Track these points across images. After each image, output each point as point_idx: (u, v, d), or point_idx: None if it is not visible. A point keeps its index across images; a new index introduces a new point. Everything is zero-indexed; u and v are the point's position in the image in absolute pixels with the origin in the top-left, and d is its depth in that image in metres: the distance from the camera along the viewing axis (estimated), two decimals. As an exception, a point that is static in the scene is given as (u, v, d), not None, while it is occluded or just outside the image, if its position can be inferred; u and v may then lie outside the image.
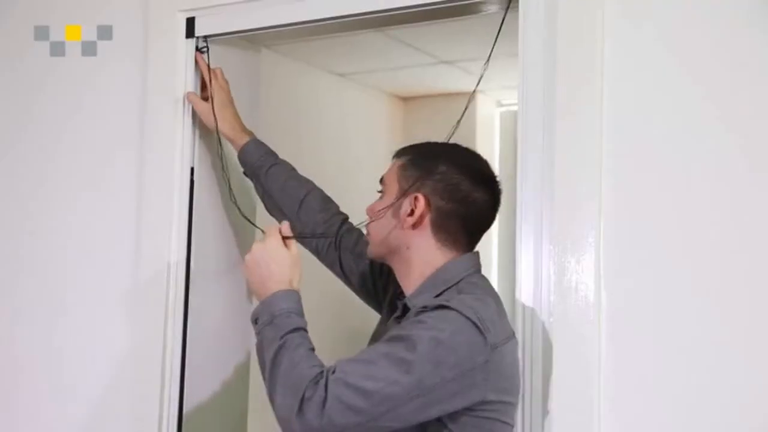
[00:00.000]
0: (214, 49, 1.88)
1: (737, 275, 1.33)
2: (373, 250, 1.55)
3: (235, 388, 1.96)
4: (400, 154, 1.55)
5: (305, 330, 1.41)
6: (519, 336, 1.45)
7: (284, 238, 1.50)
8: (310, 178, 1.84)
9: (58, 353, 2.03)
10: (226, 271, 1.94)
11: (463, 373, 1.31)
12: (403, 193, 1.48)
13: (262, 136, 1.96)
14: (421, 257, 1.48)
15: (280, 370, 1.34)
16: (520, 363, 1.44)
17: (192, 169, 1.86)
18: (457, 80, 3.03)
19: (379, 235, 1.52)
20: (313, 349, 1.39)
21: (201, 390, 1.87)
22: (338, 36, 2.02)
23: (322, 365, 1.35)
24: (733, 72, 1.36)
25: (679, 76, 1.39)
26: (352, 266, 1.75)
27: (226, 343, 1.94)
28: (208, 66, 1.86)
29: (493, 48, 1.58)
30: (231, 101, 1.87)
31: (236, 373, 1.96)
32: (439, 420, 1.35)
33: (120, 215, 1.94)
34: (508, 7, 1.56)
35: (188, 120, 1.85)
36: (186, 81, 1.86)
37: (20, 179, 2.13)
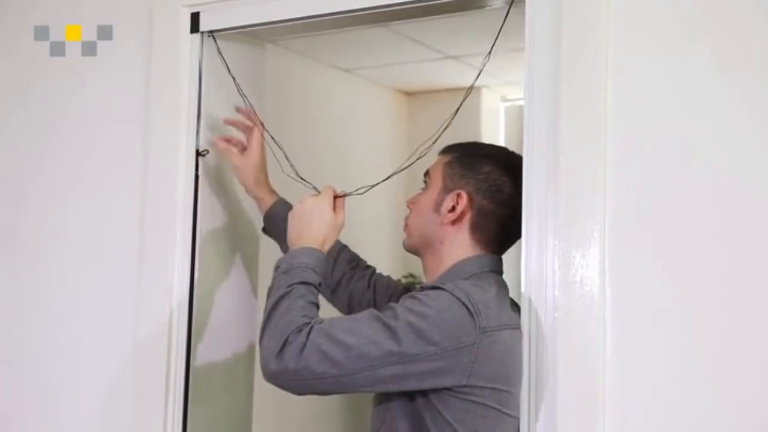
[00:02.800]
0: (219, 44, 1.88)
1: (744, 271, 1.33)
2: (408, 242, 1.60)
3: (240, 383, 1.97)
4: (447, 151, 1.59)
5: (315, 287, 1.45)
6: (525, 330, 1.45)
7: (335, 199, 1.58)
8: (315, 172, 1.85)
9: (58, 351, 2.03)
10: (230, 266, 1.94)
11: (448, 351, 1.33)
12: (446, 190, 1.50)
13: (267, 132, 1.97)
14: (452, 253, 1.51)
15: (276, 314, 1.39)
16: (525, 357, 1.44)
17: (197, 164, 1.86)
18: (462, 75, 3.03)
19: (418, 227, 1.56)
20: (315, 304, 1.43)
21: (206, 383, 1.87)
22: (343, 31, 2.02)
23: (314, 318, 1.39)
24: (744, 66, 1.35)
25: (688, 69, 1.39)
26: (384, 303, 1.76)
27: (231, 337, 1.94)
28: (255, 122, 1.85)
29: (495, 42, 1.59)
30: (265, 159, 1.85)
31: (241, 368, 1.97)
32: (427, 400, 1.37)
33: (123, 214, 1.94)
34: (512, 2, 1.56)
35: (193, 113, 1.85)
36: (190, 76, 1.85)
37: (20, 179, 2.13)
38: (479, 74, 1.64)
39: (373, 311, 1.38)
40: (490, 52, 1.60)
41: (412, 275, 3.28)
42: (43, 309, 2.06)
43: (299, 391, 1.37)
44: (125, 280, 1.92)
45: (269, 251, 1.89)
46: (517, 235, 1.54)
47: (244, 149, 1.84)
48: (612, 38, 1.43)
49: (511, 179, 1.52)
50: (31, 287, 2.09)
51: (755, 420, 1.31)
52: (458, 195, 1.51)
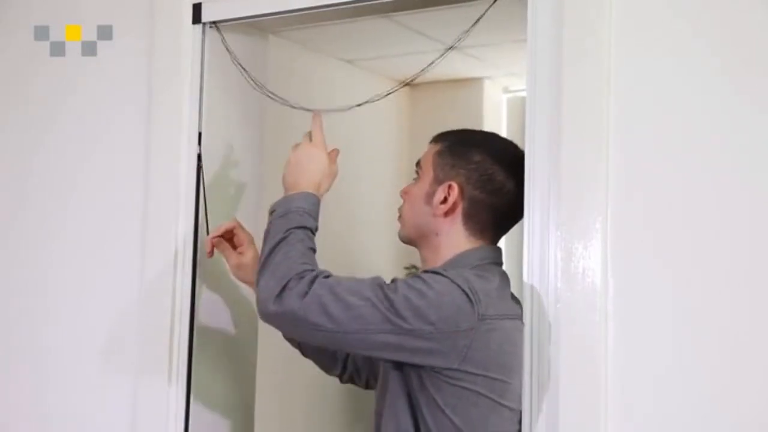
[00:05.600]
0: (221, 35, 1.88)
1: (745, 262, 1.33)
2: (403, 233, 1.60)
3: (244, 365, 1.97)
4: (438, 139, 1.58)
5: (313, 231, 1.48)
6: (526, 322, 1.45)
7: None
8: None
9: (56, 336, 2.04)
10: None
11: (445, 332, 1.35)
12: (438, 181, 1.50)
13: (268, 124, 1.96)
14: (449, 245, 1.51)
15: (275, 258, 1.42)
16: (526, 349, 1.44)
17: (199, 156, 1.85)
18: (465, 66, 3.02)
19: (411, 219, 1.56)
20: (313, 249, 1.46)
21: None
22: (345, 22, 2.02)
23: (314, 266, 1.42)
24: (750, 54, 1.35)
25: (692, 59, 1.39)
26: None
27: (234, 320, 1.94)
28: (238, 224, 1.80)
29: (476, 23, 1.57)
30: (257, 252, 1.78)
31: (245, 348, 1.97)
32: (422, 384, 1.39)
33: (126, 208, 1.94)
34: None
35: (195, 104, 1.85)
36: (192, 67, 1.86)
37: (20, 178, 2.13)
38: (445, 51, 1.60)
39: (378, 277, 1.40)
40: (470, 29, 1.58)
41: (414, 266, 3.29)
42: (43, 301, 2.07)
43: (292, 335, 1.42)
44: (127, 276, 1.92)
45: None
46: (511, 222, 1.53)
47: (235, 247, 1.76)
48: (614, 30, 1.42)
49: (503, 167, 1.51)
50: (32, 280, 2.09)
51: (758, 414, 1.32)
52: (449, 186, 1.50)
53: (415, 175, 1.59)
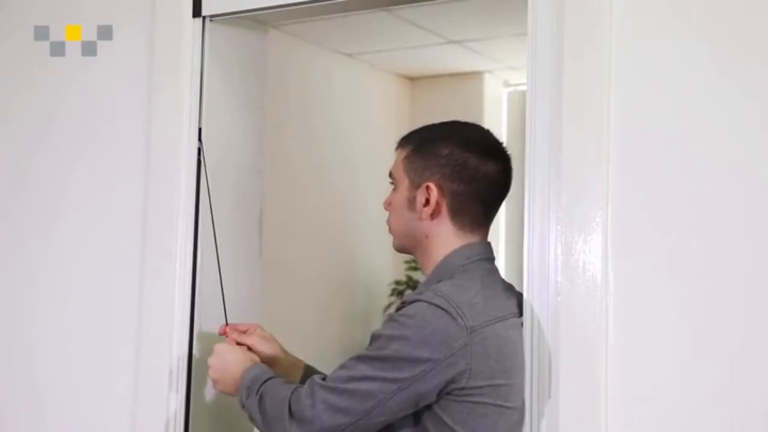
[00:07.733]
0: (221, 29, 1.88)
1: (746, 255, 1.33)
2: (396, 243, 1.57)
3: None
4: (402, 143, 1.54)
5: (276, 377, 1.51)
6: (526, 316, 1.45)
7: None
8: (316, 158, 1.84)
9: (55, 354, 2.04)
10: (234, 256, 1.94)
11: (444, 361, 1.33)
12: (414, 185, 1.48)
13: (269, 118, 1.96)
14: (438, 245, 1.48)
15: (267, 408, 1.44)
16: (527, 343, 1.44)
17: (199, 150, 1.85)
18: (465, 60, 3.03)
19: (400, 228, 1.53)
20: (289, 383, 1.48)
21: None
22: (345, 16, 2.02)
23: (298, 385, 1.44)
24: (749, 51, 1.35)
25: (692, 53, 1.38)
26: None
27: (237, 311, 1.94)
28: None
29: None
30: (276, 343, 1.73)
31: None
32: (431, 410, 1.37)
33: (126, 209, 1.94)
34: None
35: (195, 97, 1.85)
36: (192, 60, 1.85)
37: (20, 177, 2.13)
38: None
39: (357, 355, 1.40)
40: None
41: (414, 261, 3.29)
42: (44, 301, 2.07)
43: None
44: (127, 274, 1.92)
45: (273, 245, 1.89)
46: (497, 201, 1.51)
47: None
48: (615, 23, 1.42)
49: (473, 152, 1.47)
50: (31, 279, 2.10)
51: (758, 412, 1.32)
52: (427, 188, 1.46)
53: (391, 185, 1.57)
